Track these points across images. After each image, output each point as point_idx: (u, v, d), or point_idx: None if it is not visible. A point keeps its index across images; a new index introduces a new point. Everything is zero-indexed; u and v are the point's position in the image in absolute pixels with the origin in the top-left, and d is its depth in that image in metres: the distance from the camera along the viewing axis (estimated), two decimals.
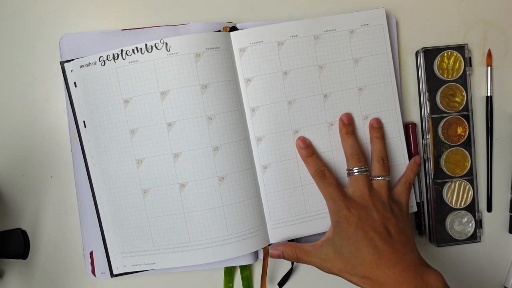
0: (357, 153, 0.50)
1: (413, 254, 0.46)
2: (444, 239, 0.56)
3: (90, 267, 0.53)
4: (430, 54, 0.56)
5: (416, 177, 0.56)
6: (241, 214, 0.50)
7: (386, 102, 0.54)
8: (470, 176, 0.56)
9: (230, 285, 0.56)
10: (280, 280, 0.55)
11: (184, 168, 0.49)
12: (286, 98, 0.52)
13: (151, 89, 0.49)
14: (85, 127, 0.51)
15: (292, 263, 0.55)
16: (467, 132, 0.56)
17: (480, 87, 0.58)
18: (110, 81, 0.49)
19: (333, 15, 0.53)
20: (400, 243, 0.46)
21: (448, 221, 0.56)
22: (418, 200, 0.56)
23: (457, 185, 0.56)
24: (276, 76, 0.51)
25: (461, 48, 0.56)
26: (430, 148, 0.56)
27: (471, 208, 0.56)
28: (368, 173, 0.50)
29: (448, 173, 0.56)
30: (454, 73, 0.56)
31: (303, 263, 0.49)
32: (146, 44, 0.49)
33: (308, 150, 0.51)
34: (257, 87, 0.51)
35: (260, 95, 0.51)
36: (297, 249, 0.49)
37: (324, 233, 0.52)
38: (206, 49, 0.49)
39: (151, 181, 0.50)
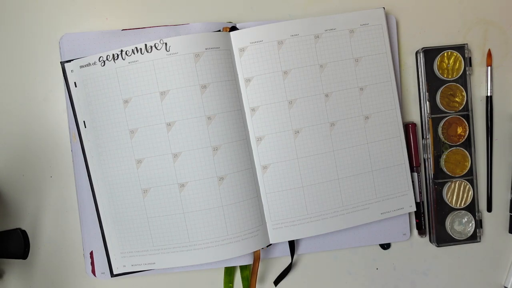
0: None
1: None
2: (444, 239, 0.56)
3: (90, 267, 0.53)
4: (430, 54, 0.55)
5: (416, 177, 0.56)
6: (241, 214, 0.50)
7: (386, 102, 0.54)
8: (470, 176, 0.56)
9: (230, 285, 0.56)
10: (276, 278, 0.55)
11: (183, 168, 0.49)
12: (287, 98, 0.52)
13: (151, 89, 0.49)
14: (85, 127, 0.51)
15: (291, 261, 0.55)
16: (467, 132, 0.56)
17: (480, 87, 0.57)
18: (110, 81, 0.49)
19: (333, 14, 0.53)
20: None
21: (448, 221, 0.56)
22: (418, 200, 0.56)
23: (457, 185, 0.56)
24: (276, 75, 0.51)
25: (461, 48, 0.56)
26: (430, 148, 0.56)
27: (471, 208, 0.56)
28: None
29: (448, 173, 0.56)
30: (454, 73, 0.56)
31: None
32: (145, 44, 0.49)
33: None
34: (257, 86, 0.51)
35: (260, 95, 0.51)
36: None
37: (324, 234, 0.52)
38: (206, 49, 0.49)
39: (151, 181, 0.50)
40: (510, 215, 0.57)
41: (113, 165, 0.50)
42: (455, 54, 0.55)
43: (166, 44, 0.48)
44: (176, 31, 0.52)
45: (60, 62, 0.51)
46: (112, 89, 0.49)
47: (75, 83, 0.51)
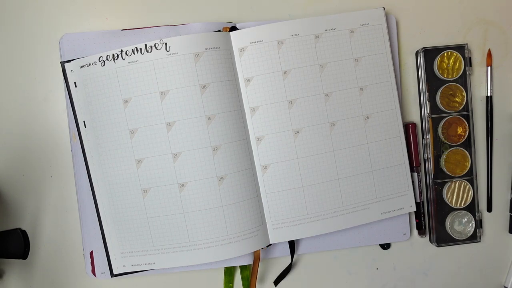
0: None
1: None
2: (444, 239, 0.56)
3: (90, 267, 0.53)
4: (430, 54, 0.55)
5: (416, 177, 0.56)
6: (241, 214, 0.50)
7: (386, 102, 0.54)
8: (470, 176, 0.56)
9: (230, 285, 0.56)
10: (276, 278, 0.55)
11: (183, 168, 0.49)
12: (287, 98, 0.52)
13: (151, 89, 0.49)
14: (85, 127, 0.51)
15: (291, 261, 0.55)
16: (467, 132, 0.56)
17: (480, 87, 0.57)
18: (110, 81, 0.49)
19: (333, 14, 0.53)
20: None
21: (448, 221, 0.56)
22: (418, 200, 0.56)
23: (457, 185, 0.56)
24: (276, 75, 0.51)
25: (461, 48, 0.56)
26: (430, 148, 0.56)
27: (471, 208, 0.56)
28: None
29: (448, 173, 0.56)
30: (454, 73, 0.56)
31: None
32: (145, 44, 0.49)
33: None
34: (257, 86, 0.51)
35: (260, 95, 0.51)
36: None
37: (324, 234, 0.52)
38: (206, 49, 0.49)
39: (151, 181, 0.50)
40: (510, 215, 0.57)
41: (113, 165, 0.50)
42: (455, 54, 0.55)
43: (166, 44, 0.48)
44: (176, 31, 0.52)
45: (60, 62, 0.51)
46: (112, 89, 0.49)
47: (75, 83, 0.51)
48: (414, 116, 0.57)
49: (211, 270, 0.56)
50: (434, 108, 0.56)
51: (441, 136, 0.56)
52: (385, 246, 0.57)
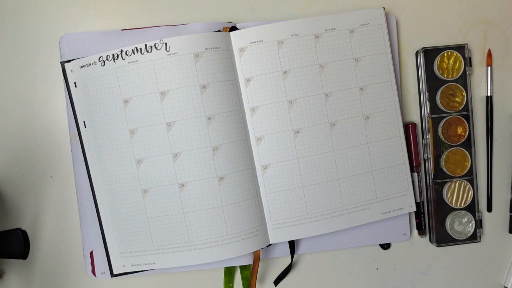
0: None
1: None
2: (444, 239, 0.56)
3: (90, 267, 0.53)
4: (430, 54, 0.55)
5: (416, 177, 0.56)
6: (241, 214, 0.50)
7: (386, 102, 0.54)
8: (470, 176, 0.56)
9: (230, 285, 0.56)
10: (276, 278, 0.55)
11: (183, 168, 0.49)
12: (287, 98, 0.52)
13: (151, 89, 0.49)
14: (85, 127, 0.51)
15: (291, 261, 0.55)
16: (467, 132, 0.56)
17: (480, 87, 0.57)
18: (110, 81, 0.49)
19: (333, 14, 0.53)
20: None
21: (448, 221, 0.56)
22: (418, 200, 0.56)
23: (457, 185, 0.56)
24: (276, 75, 0.51)
25: (461, 48, 0.56)
26: (430, 148, 0.56)
27: (471, 208, 0.56)
28: None
29: (448, 173, 0.56)
30: (454, 73, 0.56)
31: None
32: (145, 44, 0.49)
33: None
34: (257, 87, 0.51)
35: (260, 95, 0.51)
36: None
37: (324, 234, 0.52)
38: (206, 49, 0.49)
39: (151, 181, 0.50)
40: (510, 215, 0.57)
41: (113, 165, 0.50)
42: (455, 54, 0.55)
43: (166, 44, 0.48)
44: (176, 31, 0.52)
45: (60, 62, 0.51)
46: (112, 89, 0.49)
47: (75, 83, 0.51)
48: (414, 116, 0.57)
49: (211, 270, 0.56)
50: (434, 108, 0.56)
51: (441, 136, 0.56)
52: (385, 246, 0.57)
